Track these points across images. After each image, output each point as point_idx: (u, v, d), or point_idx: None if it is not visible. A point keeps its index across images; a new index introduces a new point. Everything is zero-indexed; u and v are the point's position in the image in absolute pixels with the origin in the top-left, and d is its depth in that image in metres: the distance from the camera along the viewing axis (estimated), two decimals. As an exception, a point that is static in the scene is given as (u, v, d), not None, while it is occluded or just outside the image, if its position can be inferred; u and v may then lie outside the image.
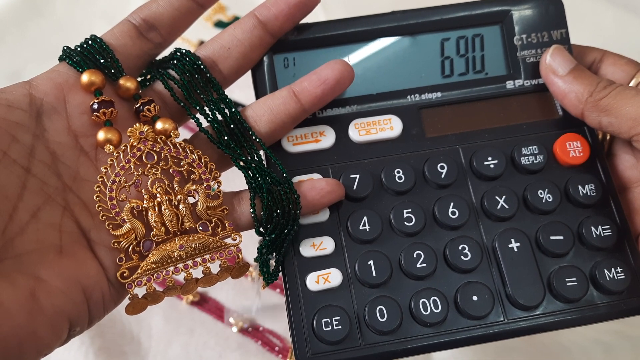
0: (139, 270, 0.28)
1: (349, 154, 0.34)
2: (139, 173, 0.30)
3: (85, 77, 0.30)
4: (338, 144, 0.34)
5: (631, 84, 0.33)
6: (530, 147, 0.34)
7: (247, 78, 0.35)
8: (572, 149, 0.34)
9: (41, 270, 0.26)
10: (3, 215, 0.26)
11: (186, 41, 0.63)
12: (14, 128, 0.27)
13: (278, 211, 0.31)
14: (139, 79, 0.33)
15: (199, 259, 0.29)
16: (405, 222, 0.33)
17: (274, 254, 0.31)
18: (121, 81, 0.31)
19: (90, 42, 0.31)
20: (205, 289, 0.49)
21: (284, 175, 0.32)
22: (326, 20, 0.35)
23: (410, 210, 0.33)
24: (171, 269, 0.29)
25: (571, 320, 0.32)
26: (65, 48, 0.31)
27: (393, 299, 0.31)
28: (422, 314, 0.31)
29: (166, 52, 0.34)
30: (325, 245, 0.32)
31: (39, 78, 0.30)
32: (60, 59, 0.31)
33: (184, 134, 0.32)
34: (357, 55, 0.35)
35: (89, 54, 0.31)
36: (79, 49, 0.31)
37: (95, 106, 0.29)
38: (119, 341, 0.47)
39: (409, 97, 0.35)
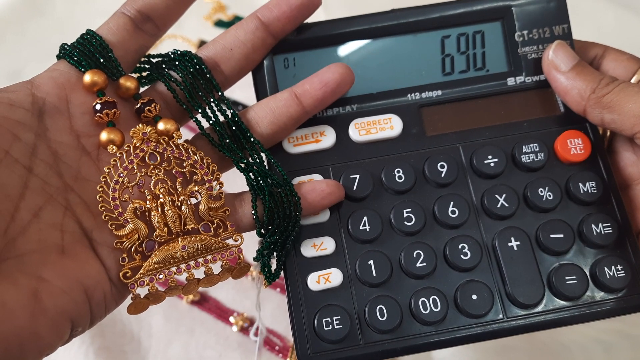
0: (141, 271, 0.28)
1: (349, 154, 0.34)
2: (142, 174, 0.30)
3: (87, 78, 0.30)
4: (338, 144, 0.34)
5: (632, 80, 0.33)
6: (531, 145, 0.34)
7: (248, 78, 0.35)
8: (574, 146, 0.34)
9: (43, 270, 0.26)
10: (5, 215, 0.26)
11: (186, 41, 0.63)
12: (16, 127, 0.27)
13: (279, 213, 0.31)
14: (135, 75, 0.33)
15: (201, 260, 0.29)
16: (405, 222, 0.33)
17: (275, 254, 0.32)
18: (121, 81, 0.31)
19: (88, 38, 0.31)
20: (205, 288, 0.49)
21: (284, 177, 0.32)
22: (326, 20, 0.35)
23: (410, 209, 0.33)
24: (173, 269, 0.29)
25: (571, 318, 0.32)
26: (63, 45, 0.31)
27: (393, 298, 0.31)
28: (422, 313, 0.31)
29: (163, 51, 0.33)
30: (325, 245, 0.32)
31: (40, 77, 0.30)
32: (59, 56, 0.31)
33: (185, 134, 0.32)
34: (357, 55, 0.35)
35: (88, 53, 0.30)
36: (78, 47, 0.31)
37: (98, 107, 0.29)
38: (119, 340, 0.47)
39: (409, 95, 0.35)
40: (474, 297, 0.31)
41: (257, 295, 0.34)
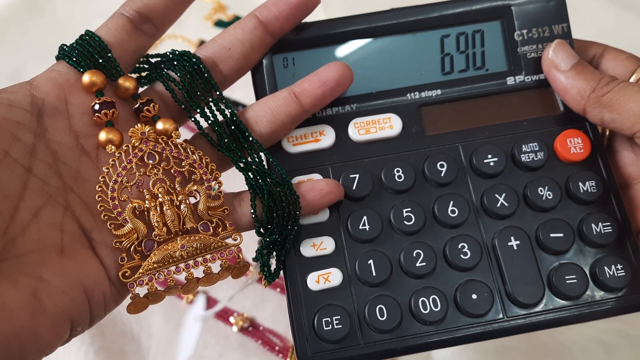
0: (140, 270, 0.28)
1: (349, 153, 0.34)
2: (141, 173, 0.30)
3: (86, 78, 0.30)
4: (338, 144, 0.34)
5: (632, 80, 0.33)
6: (531, 144, 0.34)
7: (247, 78, 0.35)
8: (573, 145, 0.34)
9: (43, 270, 0.26)
10: (4, 215, 0.26)
11: (187, 41, 0.63)
12: (15, 127, 0.27)
13: (278, 212, 0.31)
14: (134, 75, 0.33)
15: (200, 259, 0.29)
16: (405, 221, 0.33)
17: (274, 253, 0.31)
18: (120, 81, 0.31)
19: (87, 39, 0.31)
20: (205, 288, 0.49)
21: (283, 176, 0.32)
22: (325, 19, 0.35)
23: (410, 209, 0.33)
24: (172, 268, 0.29)
25: (571, 317, 0.32)
26: (62, 46, 0.31)
27: (393, 298, 0.31)
28: (422, 313, 0.31)
29: (163, 51, 0.34)
30: (325, 245, 0.32)
31: (39, 78, 0.30)
32: (58, 57, 0.31)
33: (184, 133, 0.32)
34: (357, 54, 0.35)
35: (87, 53, 0.30)
36: (77, 47, 0.31)
37: (97, 107, 0.29)
38: (119, 341, 0.47)
39: (408, 95, 0.35)
40: (474, 296, 0.31)
41: (241, 285, 0.34)
